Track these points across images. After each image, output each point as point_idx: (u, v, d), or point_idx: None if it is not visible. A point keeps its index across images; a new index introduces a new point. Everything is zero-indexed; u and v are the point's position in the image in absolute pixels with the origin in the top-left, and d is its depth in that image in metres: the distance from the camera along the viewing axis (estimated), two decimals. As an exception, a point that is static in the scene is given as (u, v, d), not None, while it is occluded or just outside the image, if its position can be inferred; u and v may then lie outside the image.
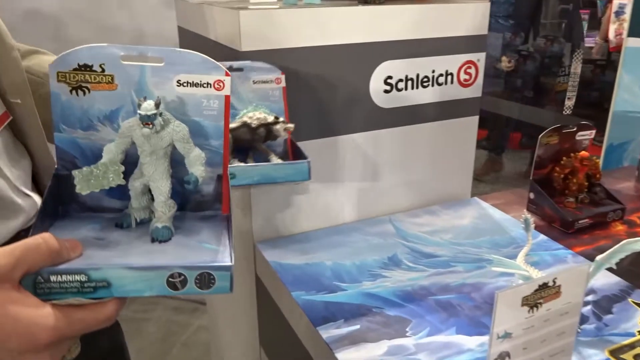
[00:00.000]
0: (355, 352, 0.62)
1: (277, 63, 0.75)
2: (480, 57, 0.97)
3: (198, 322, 1.99)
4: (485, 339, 0.65)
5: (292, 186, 0.89)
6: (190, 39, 1.06)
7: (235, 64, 0.73)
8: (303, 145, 0.85)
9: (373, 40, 0.86)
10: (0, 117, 0.56)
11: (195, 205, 0.54)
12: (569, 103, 3.07)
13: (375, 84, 0.89)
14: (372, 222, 0.95)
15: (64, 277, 0.41)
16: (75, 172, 0.47)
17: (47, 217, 0.48)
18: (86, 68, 0.47)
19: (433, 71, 0.93)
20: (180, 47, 1.17)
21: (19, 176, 0.61)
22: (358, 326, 0.67)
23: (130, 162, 0.50)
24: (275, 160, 0.70)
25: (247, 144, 0.71)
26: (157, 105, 0.46)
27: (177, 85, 0.49)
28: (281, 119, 0.71)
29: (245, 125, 0.69)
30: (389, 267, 0.81)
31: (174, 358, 1.82)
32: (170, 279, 0.42)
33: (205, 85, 0.49)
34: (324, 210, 0.93)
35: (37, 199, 0.63)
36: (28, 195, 0.61)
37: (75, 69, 0.47)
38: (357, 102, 0.89)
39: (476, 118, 1.02)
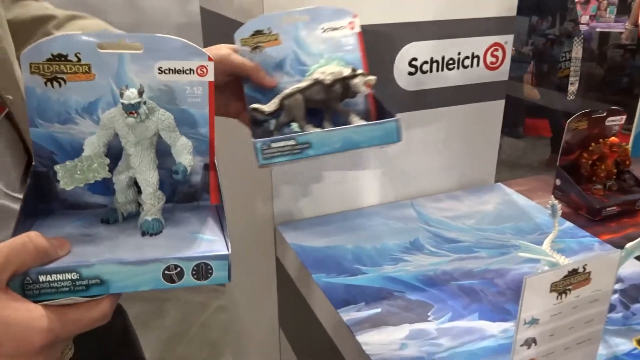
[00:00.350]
0: (376, 335, 0.62)
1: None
2: (508, 40, 0.95)
3: (217, 302, 2.01)
4: (508, 325, 0.64)
5: (313, 168, 0.88)
6: (213, 20, 1.06)
7: (297, 11, 0.65)
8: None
9: (399, 21, 0.84)
10: None
11: (183, 196, 0.52)
12: (572, 88, 3.01)
13: (400, 66, 0.87)
14: (394, 206, 0.94)
15: (54, 277, 0.39)
16: (57, 167, 0.44)
17: (28, 217, 0.46)
18: (61, 58, 0.44)
19: (459, 53, 0.91)
20: (203, 29, 1.17)
21: (14, 180, 0.56)
22: (379, 309, 0.66)
23: (112, 154, 0.47)
24: (358, 120, 0.61)
25: (322, 104, 0.62)
26: (140, 94, 0.44)
27: (159, 73, 0.47)
28: (359, 71, 0.61)
29: (317, 82, 0.61)
30: (411, 252, 0.80)
31: (193, 338, 1.85)
32: (166, 272, 0.41)
33: (187, 71, 0.47)
34: (346, 194, 0.92)
35: None
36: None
37: (49, 59, 0.44)
38: (381, 84, 0.87)
39: (502, 102, 1.00)
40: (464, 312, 0.66)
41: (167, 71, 0.47)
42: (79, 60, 0.45)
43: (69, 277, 0.39)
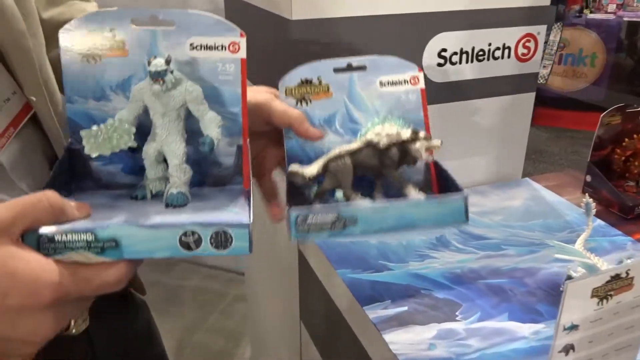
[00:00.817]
0: (403, 334, 0.61)
1: (327, 33, 0.72)
2: (540, 30, 0.92)
3: (234, 291, 2.02)
4: (539, 326, 0.62)
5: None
6: (237, 8, 1.04)
7: (355, 60, 0.56)
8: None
9: (428, 10, 0.81)
10: (19, 114, 0.48)
11: (214, 179, 0.50)
12: (544, 72, 2.94)
13: (428, 57, 0.85)
14: (419, 201, 0.92)
15: (70, 236, 0.38)
16: (83, 132, 0.44)
17: (58, 190, 0.45)
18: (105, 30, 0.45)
19: (489, 44, 0.89)
20: (227, 17, 1.15)
21: (40, 181, 0.54)
22: (406, 307, 0.65)
23: (143, 133, 0.47)
24: (415, 193, 0.52)
25: (374, 171, 0.53)
26: (167, 62, 0.44)
27: (191, 49, 0.46)
28: (421, 134, 0.53)
29: (370, 145, 0.52)
30: (437, 248, 0.78)
31: (211, 326, 1.86)
32: (183, 238, 0.39)
33: (219, 48, 0.46)
34: (370, 187, 0.90)
35: None
36: None
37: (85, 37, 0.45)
38: (409, 75, 0.85)
39: (532, 95, 0.97)
40: (493, 311, 0.65)
41: (198, 47, 0.46)
42: (114, 36, 0.45)
43: (85, 238, 0.38)
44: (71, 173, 0.48)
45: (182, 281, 2.07)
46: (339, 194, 0.52)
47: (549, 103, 3.50)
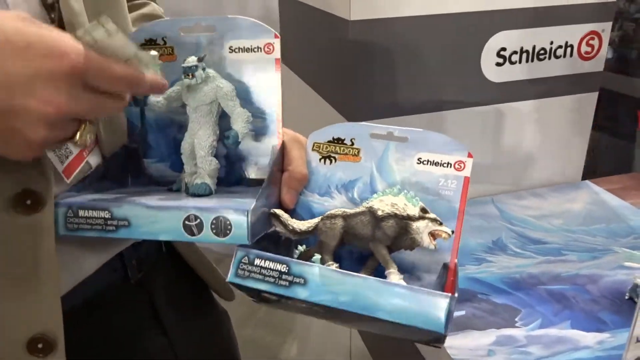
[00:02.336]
0: (462, 339, 0.60)
1: (385, 33, 0.72)
2: (605, 28, 0.88)
3: (282, 288, 2.04)
4: (604, 336, 0.60)
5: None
6: (292, 8, 1.05)
7: (398, 129, 0.48)
8: (405, 119, 0.82)
9: (489, 8, 0.80)
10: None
11: (249, 181, 0.51)
12: None
13: (487, 56, 0.83)
14: (474, 203, 0.91)
15: (91, 213, 0.41)
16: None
17: (110, 182, 0.48)
18: (151, 42, 0.49)
19: (551, 43, 0.86)
20: (281, 18, 1.16)
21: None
22: (463, 312, 0.64)
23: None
24: (396, 277, 0.44)
25: (363, 243, 0.46)
26: (199, 60, 0.47)
27: (229, 52, 0.48)
28: (431, 215, 0.45)
29: (369, 211, 0.46)
30: (494, 252, 0.77)
31: (260, 321, 1.88)
32: (186, 222, 0.40)
33: (255, 49, 0.48)
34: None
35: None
36: None
37: (142, 44, 0.49)
38: (467, 75, 0.84)
39: (595, 94, 0.93)
40: (554, 319, 0.63)
41: (236, 50, 0.48)
42: (165, 43, 0.49)
43: (102, 215, 0.41)
44: (127, 169, 0.51)
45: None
46: (316, 257, 0.46)
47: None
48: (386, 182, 0.49)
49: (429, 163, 0.48)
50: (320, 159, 0.50)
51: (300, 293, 0.39)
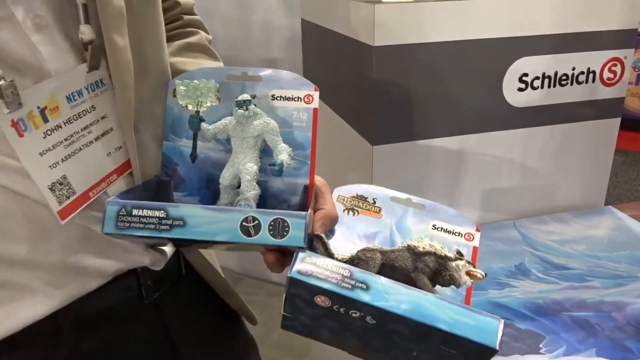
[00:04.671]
0: (485, 365, 0.59)
1: (409, 58, 0.73)
2: (627, 54, 0.89)
3: (298, 309, 2.03)
4: (631, 365, 0.59)
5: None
6: (314, 33, 1.07)
7: (416, 198, 0.53)
8: (427, 143, 0.83)
9: (512, 35, 0.81)
10: (126, 164, 0.51)
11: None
12: None
13: (510, 82, 0.84)
14: (495, 227, 0.91)
15: (144, 212, 0.41)
16: (177, 81, 0.51)
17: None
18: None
19: (573, 69, 0.87)
20: (303, 41, 1.19)
21: None
22: (486, 337, 0.64)
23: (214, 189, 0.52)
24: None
25: (403, 275, 0.47)
26: (252, 97, 0.51)
27: (272, 99, 0.52)
28: (466, 259, 0.48)
29: (408, 249, 0.48)
30: (517, 277, 0.76)
31: (275, 342, 1.87)
32: (244, 224, 0.41)
33: (296, 99, 0.53)
34: (445, 211, 0.90)
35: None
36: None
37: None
38: (489, 100, 0.84)
39: (617, 120, 0.93)
40: (579, 346, 0.62)
41: (279, 98, 0.52)
42: (217, 90, 0.53)
43: (157, 215, 0.41)
44: (158, 200, 0.51)
45: (247, 296, 2.09)
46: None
47: (624, 125, 3.33)
48: (404, 239, 0.52)
49: (443, 230, 0.52)
50: (344, 210, 0.53)
51: (363, 296, 0.40)
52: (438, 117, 0.82)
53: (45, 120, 0.43)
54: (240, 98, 0.51)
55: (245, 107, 0.50)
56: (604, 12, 0.85)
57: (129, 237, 0.43)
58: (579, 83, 0.88)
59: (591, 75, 0.88)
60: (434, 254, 0.47)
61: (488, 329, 0.40)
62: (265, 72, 0.52)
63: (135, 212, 0.42)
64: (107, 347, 0.52)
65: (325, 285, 0.40)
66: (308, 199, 0.51)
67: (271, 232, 0.41)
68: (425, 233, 0.52)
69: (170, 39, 0.61)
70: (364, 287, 0.40)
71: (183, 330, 0.58)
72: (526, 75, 0.84)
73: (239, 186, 0.51)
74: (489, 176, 0.90)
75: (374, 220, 0.53)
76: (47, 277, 0.46)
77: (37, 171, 0.42)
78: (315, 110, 0.52)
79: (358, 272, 0.41)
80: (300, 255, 0.41)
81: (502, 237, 0.87)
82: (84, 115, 0.46)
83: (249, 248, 0.45)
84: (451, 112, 0.83)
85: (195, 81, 0.52)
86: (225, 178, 0.51)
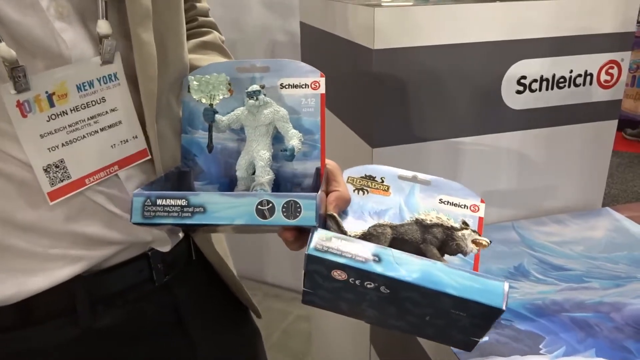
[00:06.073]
0: (486, 366, 0.60)
1: (408, 61, 0.74)
2: (624, 57, 0.90)
3: (297, 311, 2.03)
4: (630, 365, 0.60)
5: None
6: (313, 36, 1.08)
7: (421, 175, 0.56)
8: (427, 145, 0.83)
9: (509, 38, 0.81)
10: (130, 157, 0.52)
11: None
12: None
13: (508, 84, 0.85)
14: (494, 228, 0.91)
15: (168, 201, 0.44)
16: (190, 77, 0.54)
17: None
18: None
19: (571, 71, 0.87)
20: (302, 44, 1.19)
21: None
22: (486, 337, 0.64)
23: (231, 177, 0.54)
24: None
25: (413, 247, 0.51)
26: (261, 87, 0.54)
27: (281, 88, 0.55)
28: (471, 228, 0.52)
29: (416, 222, 0.51)
30: (516, 278, 0.77)
31: (275, 345, 1.88)
32: (259, 207, 0.44)
33: (303, 86, 0.55)
34: (444, 213, 0.90)
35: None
36: None
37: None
38: (487, 102, 0.85)
39: (614, 122, 0.94)
40: (578, 347, 0.63)
41: (287, 86, 0.55)
42: (228, 83, 0.56)
43: (179, 203, 0.44)
44: (180, 190, 0.54)
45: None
46: None
47: (620, 126, 3.35)
48: (413, 213, 0.55)
49: (449, 204, 0.55)
50: (354, 190, 0.56)
51: (376, 268, 0.43)
52: (437, 119, 0.83)
53: (52, 104, 0.45)
54: (250, 89, 0.53)
55: (255, 98, 0.53)
56: (601, 15, 0.85)
57: (156, 225, 0.46)
58: (576, 85, 0.88)
59: (588, 77, 0.89)
60: (441, 226, 0.51)
61: (494, 291, 0.43)
62: (273, 63, 0.55)
63: (159, 202, 0.44)
64: (120, 326, 0.54)
65: (341, 260, 0.43)
66: (319, 181, 0.53)
67: (285, 214, 0.44)
68: (433, 207, 0.55)
69: (187, 38, 0.63)
70: (377, 259, 0.43)
71: (193, 313, 0.61)
72: (524, 77, 0.85)
73: (254, 172, 0.54)
74: (487, 178, 0.91)
75: (383, 198, 0.56)
76: (58, 244, 0.48)
77: (35, 152, 0.44)
78: (322, 95, 0.54)
79: (371, 247, 0.44)
80: (316, 233, 0.44)
81: (501, 239, 0.88)
82: (93, 105, 0.48)
83: (261, 230, 0.47)
84: (450, 115, 0.83)
85: (207, 76, 0.54)
86: (240, 166, 0.54)
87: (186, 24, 0.63)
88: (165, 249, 0.57)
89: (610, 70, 0.89)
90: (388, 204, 0.56)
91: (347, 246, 0.44)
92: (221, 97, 0.54)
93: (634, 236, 0.88)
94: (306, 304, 0.50)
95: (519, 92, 0.86)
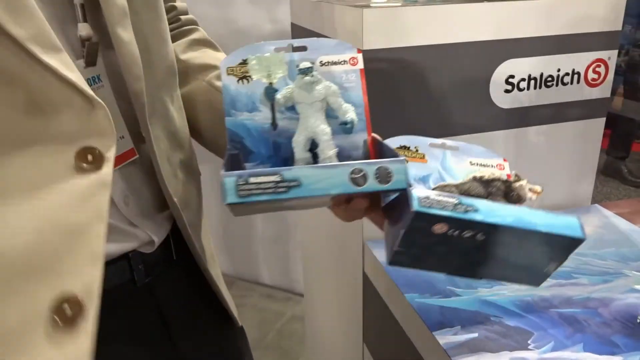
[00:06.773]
0: (475, 362, 0.61)
1: (397, 61, 0.74)
2: (611, 55, 0.91)
3: (291, 311, 2.04)
4: (617, 359, 0.60)
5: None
6: (304, 35, 1.08)
7: (449, 141, 0.62)
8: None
9: (497, 38, 0.82)
10: (126, 153, 0.53)
11: None
12: None
13: (496, 84, 0.86)
14: (485, 226, 0.92)
15: (261, 179, 0.44)
16: (250, 57, 0.55)
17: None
18: (245, 62, 0.56)
19: (558, 70, 0.88)
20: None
21: (135, 208, 0.57)
22: (476, 334, 0.65)
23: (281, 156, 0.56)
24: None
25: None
26: (311, 63, 0.55)
27: (320, 65, 0.56)
28: (523, 179, 0.56)
29: (475, 179, 0.55)
30: (506, 275, 0.78)
31: (269, 345, 1.88)
32: (352, 176, 0.45)
33: (342, 62, 0.56)
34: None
35: (144, 234, 0.57)
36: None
37: (240, 63, 0.56)
38: (476, 102, 0.86)
39: (602, 120, 0.95)
40: (566, 342, 0.64)
41: (327, 63, 0.56)
42: (285, 62, 0.56)
43: (273, 179, 0.45)
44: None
45: (239, 299, 2.11)
46: None
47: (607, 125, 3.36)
48: (452, 177, 0.60)
49: (479, 165, 0.62)
50: None
51: (476, 217, 0.47)
52: (426, 119, 0.84)
53: None
54: (302, 66, 0.54)
55: (310, 74, 0.54)
56: (588, 14, 0.86)
57: (250, 205, 0.45)
58: (564, 84, 0.89)
59: (576, 76, 0.90)
60: (499, 179, 0.55)
61: (573, 225, 0.50)
62: (310, 42, 0.56)
63: (252, 179, 0.44)
64: (101, 328, 0.53)
65: (445, 213, 0.46)
66: (370, 151, 0.55)
67: (377, 180, 0.45)
68: (467, 169, 0.61)
69: (174, 38, 0.65)
70: (474, 209, 0.47)
71: (175, 313, 0.61)
72: (512, 77, 0.86)
73: (310, 149, 0.54)
74: (477, 176, 0.91)
75: (421, 165, 0.62)
76: None
77: None
78: (361, 70, 0.56)
79: (464, 199, 0.48)
80: (415, 191, 0.46)
81: (491, 237, 0.88)
82: None
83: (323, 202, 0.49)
84: (440, 115, 0.84)
85: (267, 54, 0.55)
86: (298, 142, 0.54)
87: (170, 24, 0.64)
88: (148, 250, 0.56)
89: (597, 69, 0.90)
90: (428, 169, 0.61)
91: (446, 200, 0.47)
92: (280, 76, 0.55)
93: (622, 233, 0.89)
94: (392, 265, 0.54)
95: (507, 91, 0.87)
